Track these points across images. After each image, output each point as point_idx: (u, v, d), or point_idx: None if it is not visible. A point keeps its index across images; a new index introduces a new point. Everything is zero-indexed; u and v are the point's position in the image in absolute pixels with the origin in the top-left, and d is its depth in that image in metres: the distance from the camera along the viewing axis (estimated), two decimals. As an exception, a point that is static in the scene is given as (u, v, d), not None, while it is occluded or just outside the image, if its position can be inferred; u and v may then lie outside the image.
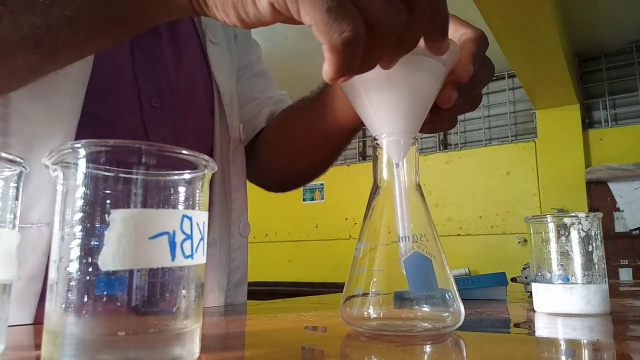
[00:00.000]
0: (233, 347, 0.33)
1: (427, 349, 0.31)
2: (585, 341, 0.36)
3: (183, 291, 0.24)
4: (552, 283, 0.50)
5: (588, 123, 3.38)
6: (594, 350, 0.33)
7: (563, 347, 0.34)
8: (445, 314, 0.35)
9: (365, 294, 0.36)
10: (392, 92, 0.38)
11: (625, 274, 2.96)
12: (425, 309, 0.35)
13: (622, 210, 3.05)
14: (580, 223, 0.50)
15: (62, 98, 0.51)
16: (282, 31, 2.94)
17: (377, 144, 0.39)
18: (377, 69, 0.37)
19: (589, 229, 0.50)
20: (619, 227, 3.05)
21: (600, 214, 0.51)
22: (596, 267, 0.49)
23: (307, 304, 0.65)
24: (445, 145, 3.89)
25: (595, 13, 2.86)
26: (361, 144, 4.30)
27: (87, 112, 0.53)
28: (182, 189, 0.25)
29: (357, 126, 0.61)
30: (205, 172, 0.26)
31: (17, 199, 0.28)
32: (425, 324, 0.35)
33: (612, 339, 0.38)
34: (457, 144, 3.81)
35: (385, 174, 0.39)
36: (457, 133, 3.80)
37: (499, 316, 0.50)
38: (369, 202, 0.39)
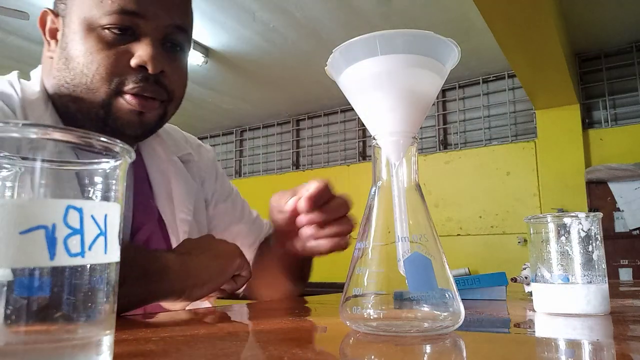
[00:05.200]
0: (232, 347, 0.33)
1: (427, 349, 0.31)
2: (585, 341, 0.36)
3: (80, 295, 0.21)
4: (552, 283, 0.50)
5: (588, 123, 3.37)
6: (594, 350, 0.32)
7: (563, 347, 0.34)
8: (445, 314, 0.35)
9: (365, 294, 0.36)
10: (392, 92, 0.38)
11: (625, 274, 2.95)
12: (425, 309, 0.35)
13: (622, 210, 3.05)
14: (580, 223, 0.50)
15: None
16: (282, 31, 2.94)
17: (377, 144, 0.39)
18: (377, 68, 0.37)
19: (589, 229, 0.50)
20: (619, 227, 3.05)
21: (600, 214, 0.51)
22: (596, 267, 0.49)
23: (307, 304, 0.65)
24: (445, 145, 3.89)
25: (595, 13, 2.86)
26: (361, 144, 4.30)
27: None
28: (70, 176, 0.21)
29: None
30: (109, 160, 0.23)
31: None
32: (425, 324, 0.34)
33: (612, 339, 0.38)
34: (457, 144, 3.80)
35: (384, 174, 0.39)
36: (457, 133, 3.79)
37: (499, 316, 0.50)
38: (368, 202, 0.39)
